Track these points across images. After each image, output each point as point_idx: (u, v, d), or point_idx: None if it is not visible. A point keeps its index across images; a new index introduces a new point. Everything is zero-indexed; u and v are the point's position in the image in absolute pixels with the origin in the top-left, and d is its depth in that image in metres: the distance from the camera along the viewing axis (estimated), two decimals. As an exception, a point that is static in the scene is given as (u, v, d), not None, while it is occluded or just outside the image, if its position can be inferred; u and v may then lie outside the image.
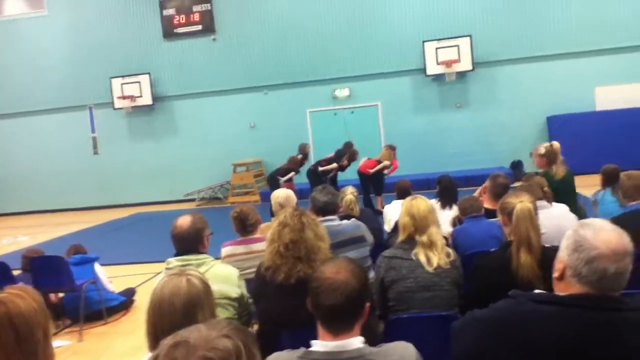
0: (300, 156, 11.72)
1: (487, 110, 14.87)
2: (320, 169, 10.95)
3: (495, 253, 2.95)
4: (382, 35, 15.12)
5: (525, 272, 2.63)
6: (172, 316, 1.80)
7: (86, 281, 5.67)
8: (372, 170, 10.72)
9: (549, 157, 5.79)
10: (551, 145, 5.84)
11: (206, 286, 1.95)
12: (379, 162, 10.80)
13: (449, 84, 14.81)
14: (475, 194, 4.75)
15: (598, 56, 14.24)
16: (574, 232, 1.73)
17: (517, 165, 14.06)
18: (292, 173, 11.25)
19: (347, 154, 11.16)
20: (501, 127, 14.75)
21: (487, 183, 4.71)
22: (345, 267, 1.89)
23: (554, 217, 3.60)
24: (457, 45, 14.34)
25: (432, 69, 14.53)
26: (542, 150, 5.88)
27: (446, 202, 5.51)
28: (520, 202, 2.78)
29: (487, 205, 4.43)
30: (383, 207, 9.45)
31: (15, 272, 5.93)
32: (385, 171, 11.10)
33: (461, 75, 14.68)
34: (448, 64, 14.33)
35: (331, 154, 11.34)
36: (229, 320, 1.25)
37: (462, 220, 4.40)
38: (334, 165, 10.99)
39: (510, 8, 14.48)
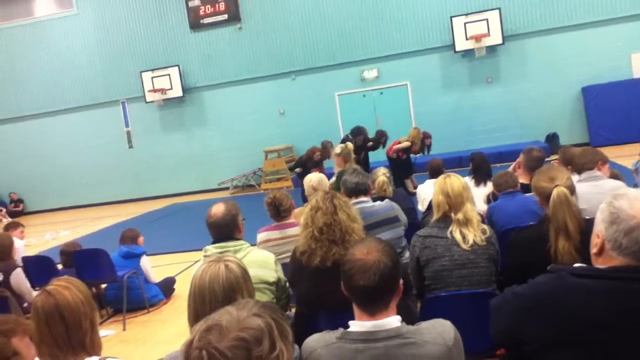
0: (318, 153, 10.08)
1: (519, 84, 14.56)
2: None
3: (532, 227, 2.90)
4: (408, 12, 14.90)
5: (565, 259, 2.56)
6: (213, 302, 1.85)
7: (127, 272, 5.81)
8: (391, 154, 10.62)
9: (345, 156, 6.48)
10: (346, 146, 6.63)
11: (244, 271, 1.99)
12: (399, 142, 10.67)
13: (479, 59, 14.53)
14: (510, 169, 4.68)
15: (632, 22, 13.73)
16: (608, 205, 1.69)
17: (552, 138, 13.77)
18: (299, 169, 10.17)
19: (361, 135, 10.27)
20: (534, 100, 14.43)
21: (521, 157, 4.63)
22: (375, 246, 1.90)
23: (604, 193, 3.44)
24: (486, 19, 14.04)
25: (461, 44, 14.27)
26: (338, 150, 6.63)
27: (480, 179, 5.46)
28: (555, 187, 2.68)
29: (522, 180, 4.35)
30: (415, 188, 9.41)
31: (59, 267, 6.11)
32: (416, 154, 10.98)
33: (491, 49, 14.37)
34: (477, 38, 14.04)
35: (345, 136, 11.01)
36: (258, 300, 1.27)
37: (497, 197, 4.34)
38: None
39: (539, -23, 14.08)
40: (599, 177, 3.71)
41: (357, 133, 10.34)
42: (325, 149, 10.67)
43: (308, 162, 10.20)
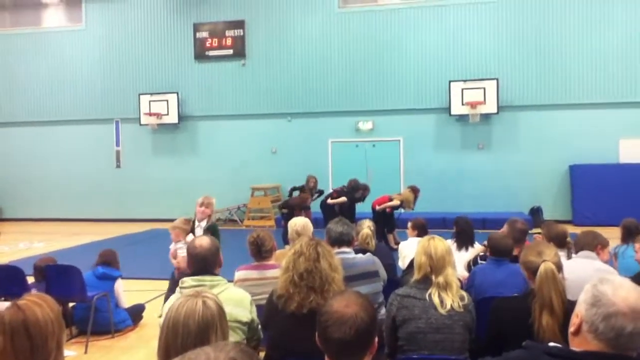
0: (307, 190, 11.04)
1: (509, 154, 14.83)
2: (329, 201, 10.72)
3: (517, 299, 2.91)
4: (409, 72, 15.25)
5: (547, 335, 2.57)
6: (185, 337, 1.81)
7: (98, 294, 5.69)
8: (378, 207, 10.63)
9: (182, 230, 6.12)
10: (186, 221, 6.38)
11: (221, 309, 1.96)
12: (391, 199, 10.72)
13: (473, 125, 14.83)
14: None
15: (624, 108, 14.18)
16: (592, 287, 1.71)
17: (536, 212, 13.93)
18: (285, 210, 10.44)
19: (359, 189, 10.82)
20: (522, 172, 14.68)
21: (505, 228, 4.67)
22: (355, 300, 1.89)
23: (589, 270, 3.50)
24: (484, 88, 14.40)
25: (457, 109, 14.58)
26: (186, 221, 6.38)
27: (462, 244, 5.48)
28: (543, 262, 2.73)
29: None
30: (397, 244, 9.41)
31: (29, 279, 5.96)
32: (402, 210, 11.02)
33: (485, 117, 14.70)
34: (473, 105, 14.37)
35: (341, 186, 11.08)
36: (236, 343, 1.25)
37: (477, 261, 4.34)
38: (343, 199, 10.62)
39: (538, 54, 14.54)
40: (592, 258, 3.77)
41: (356, 189, 10.80)
42: (307, 182, 11.07)
43: (298, 206, 10.30)
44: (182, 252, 5.74)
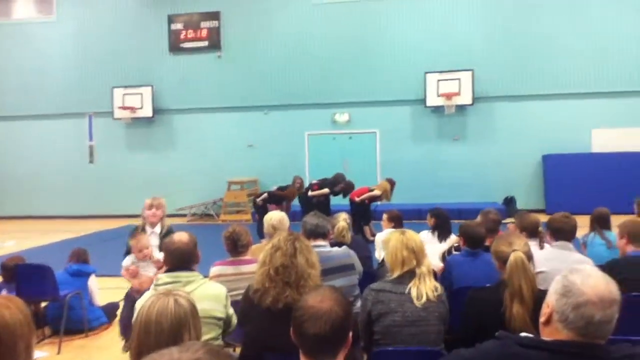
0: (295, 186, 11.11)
1: (483, 144, 14.99)
2: (310, 193, 10.65)
3: (490, 289, 2.95)
4: (384, 63, 15.28)
5: (518, 324, 2.62)
6: (158, 336, 1.79)
7: (70, 292, 5.59)
8: (357, 199, 10.63)
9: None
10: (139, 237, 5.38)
11: (193, 307, 1.95)
12: (370, 190, 10.73)
13: (448, 116, 14.93)
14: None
15: (597, 99, 14.43)
16: (563, 277, 1.75)
17: (509, 202, 14.13)
18: (261, 201, 10.59)
19: (341, 183, 10.75)
20: (496, 162, 14.86)
21: (478, 219, 4.72)
22: (330, 295, 1.89)
23: (567, 261, 3.54)
24: (459, 79, 14.51)
25: (432, 100, 14.67)
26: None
27: (443, 235, 5.53)
28: (513, 252, 2.78)
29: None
30: (373, 236, 9.44)
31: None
32: (378, 202, 11.05)
33: (460, 108, 14.81)
34: (448, 96, 14.47)
35: (322, 178, 11.03)
36: (205, 343, 1.23)
37: (460, 249, 4.36)
38: (325, 190, 10.60)
39: (513, 46, 14.69)
40: (569, 249, 3.82)
41: (338, 182, 10.70)
42: (293, 183, 11.03)
43: (289, 198, 10.73)
44: (150, 272, 4.92)
